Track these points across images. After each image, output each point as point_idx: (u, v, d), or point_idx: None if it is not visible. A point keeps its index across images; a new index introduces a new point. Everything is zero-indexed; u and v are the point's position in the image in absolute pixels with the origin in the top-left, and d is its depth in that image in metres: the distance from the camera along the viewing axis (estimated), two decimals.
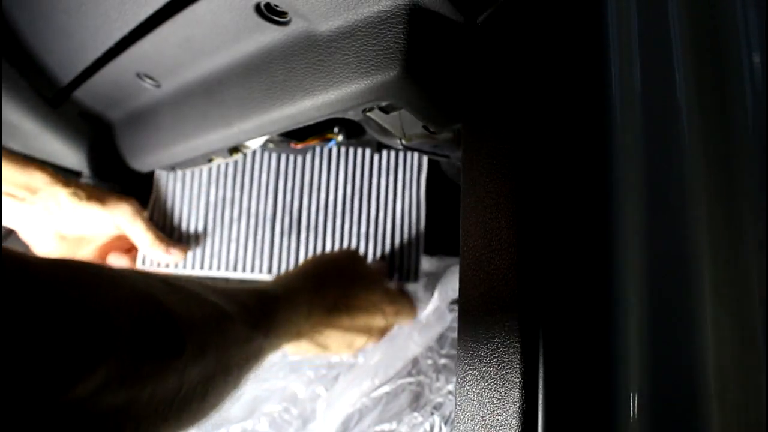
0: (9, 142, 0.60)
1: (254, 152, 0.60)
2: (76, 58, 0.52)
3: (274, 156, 0.60)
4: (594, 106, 0.26)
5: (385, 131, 0.45)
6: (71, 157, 0.63)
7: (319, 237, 0.58)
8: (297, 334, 0.48)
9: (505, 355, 0.26)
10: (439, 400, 0.54)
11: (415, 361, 0.57)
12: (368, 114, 0.40)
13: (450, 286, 0.56)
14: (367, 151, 0.58)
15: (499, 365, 0.26)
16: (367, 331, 0.53)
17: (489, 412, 0.26)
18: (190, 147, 0.53)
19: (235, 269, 0.59)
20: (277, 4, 0.38)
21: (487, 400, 0.26)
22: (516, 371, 0.25)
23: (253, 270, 0.59)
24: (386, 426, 0.54)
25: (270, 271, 0.59)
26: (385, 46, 0.35)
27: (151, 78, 0.52)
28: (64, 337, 0.24)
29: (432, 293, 0.57)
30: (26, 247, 0.59)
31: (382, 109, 0.39)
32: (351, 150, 0.59)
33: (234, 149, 0.55)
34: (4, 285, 0.23)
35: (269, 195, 0.60)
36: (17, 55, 0.53)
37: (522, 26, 0.29)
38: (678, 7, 0.24)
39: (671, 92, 0.24)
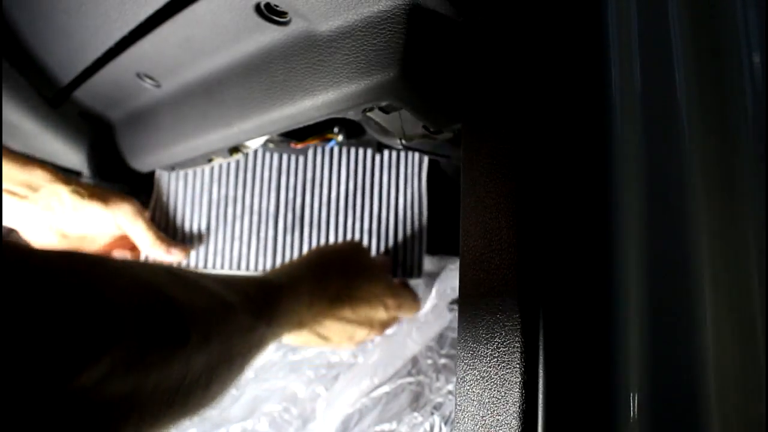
0: (9, 142, 0.60)
1: (256, 150, 0.60)
2: (76, 58, 0.52)
3: (275, 153, 0.60)
4: (594, 105, 0.26)
5: (385, 131, 0.45)
6: (71, 157, 0.63)
7: (322, 233, 0.59)
8: (298, 324, 0.48)
9: (505, 355, 0.26)
10: (439, 400, 0.54)
11: (415, 361, 0.57)
12: (368, 114, 0.40)
13: (449, 285, 0.56)
14: (368, 151, 0.58)
15: (499, 365, 0.26)
16: (369, 324, 0.53)
17: (489, 412, 0.26)
18: (190, 147, 0.53)
19: (238, 266, 0.60)
20: (277, 4, 0.38)
21: (487, 400, 0.26)
22: (516, 371, 0.25)
23: (256, 267, 0.59)
24: (386, 426, 0.54)
25: (273, 267, 0.59)
26: (385, 46, 0.35)
27: (151, 78, 0.52)
28: (69, 326, 0.24)
29: (431, 292, 0.57)
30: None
31: (382, 109, 0.39)
32: (352, 149, 0.59)
33: (234, 149, 0.55)
34: (8, 274, 0.23)
35: (272, 192, 0.60)
36: (17, 55, 0.53)
37: (522, 26, 0.29)
38: (678, 7, 0.24)
39: (671, 92, 0.24)
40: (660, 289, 0.23)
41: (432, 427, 0.53)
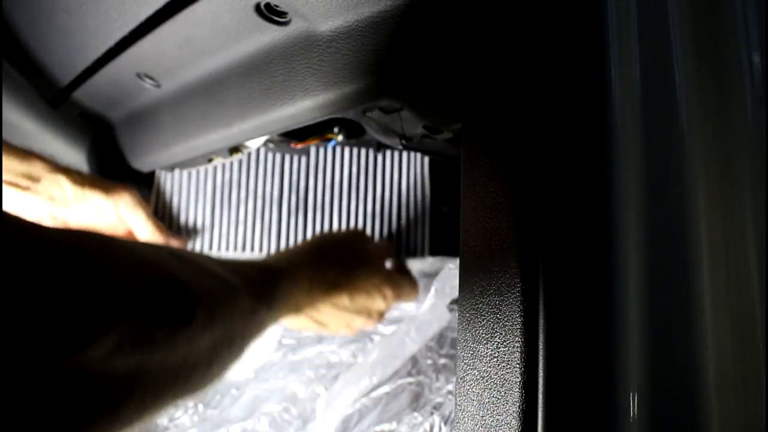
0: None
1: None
2: (76, 58, 0.52)
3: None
4: (594, 105, 0.26)
5: (385, 131, 0.45)
6: (71, 157, 0.63)
7: (326, 216, 0.59)
8: (296, 309, 0.48)
9: (505, 355, 0.26)
10: (439, 400, 0.54)
11: (414, 361, 0.57)
12: (368, 114, 0.40)
13: (448, 284, 0.56)
14: (370, 151, 0.59)
15: (499, 365, 0.26)
16: (367, 313, 0.53)
17: (489, 412, 0.26)
18: (191, 147, 0.53)
19: (243, 249, 0.60)
20: (277, 4, 0.38)
21: (487, 400, 0.26)
22: (516, 371, 0.25)
23: (261, 250, 0.60)
24: (386, 426, 0.54)
25: (278, 250, 0.59)
26: (385, 46, 0.35)
27: (151, 78, 0.52)
28: (77, 301, 0.24)
29: (429, 291, 0.57)
30: None
31: (381, 109, 0.39)
32: (354, 149, 0.59)
33: (234, 149, 0.55)
34: (20, 250, 0.23)
35: (275, 176, 0.60)
36: (17, 55, 0.53)
37: (522, 26, 0.29)
38: (678, 7, 0.24)
39: (671, 92, 0.24)
40: (660, 289, 0.23)
41: (432, 427, 0.53)
